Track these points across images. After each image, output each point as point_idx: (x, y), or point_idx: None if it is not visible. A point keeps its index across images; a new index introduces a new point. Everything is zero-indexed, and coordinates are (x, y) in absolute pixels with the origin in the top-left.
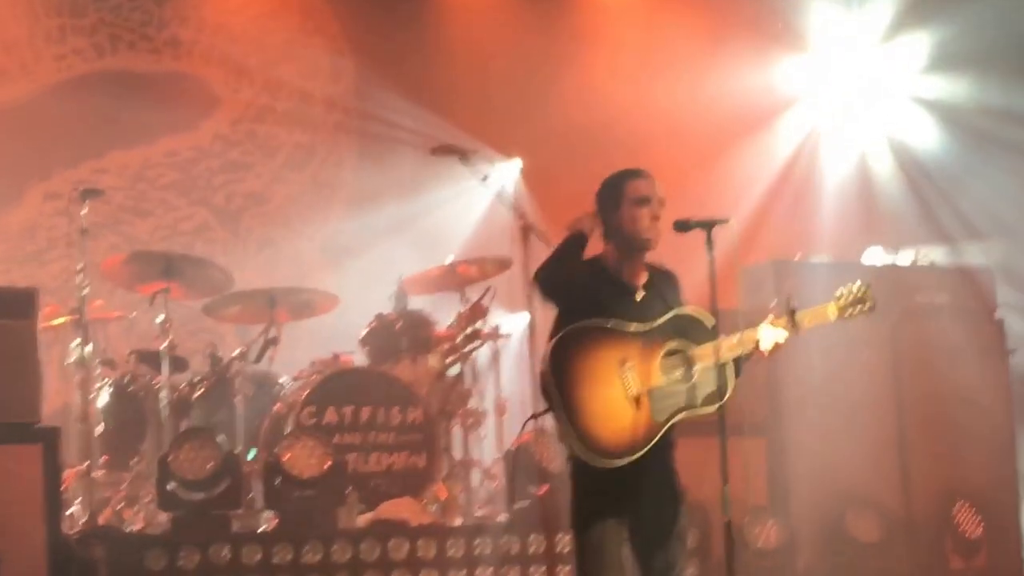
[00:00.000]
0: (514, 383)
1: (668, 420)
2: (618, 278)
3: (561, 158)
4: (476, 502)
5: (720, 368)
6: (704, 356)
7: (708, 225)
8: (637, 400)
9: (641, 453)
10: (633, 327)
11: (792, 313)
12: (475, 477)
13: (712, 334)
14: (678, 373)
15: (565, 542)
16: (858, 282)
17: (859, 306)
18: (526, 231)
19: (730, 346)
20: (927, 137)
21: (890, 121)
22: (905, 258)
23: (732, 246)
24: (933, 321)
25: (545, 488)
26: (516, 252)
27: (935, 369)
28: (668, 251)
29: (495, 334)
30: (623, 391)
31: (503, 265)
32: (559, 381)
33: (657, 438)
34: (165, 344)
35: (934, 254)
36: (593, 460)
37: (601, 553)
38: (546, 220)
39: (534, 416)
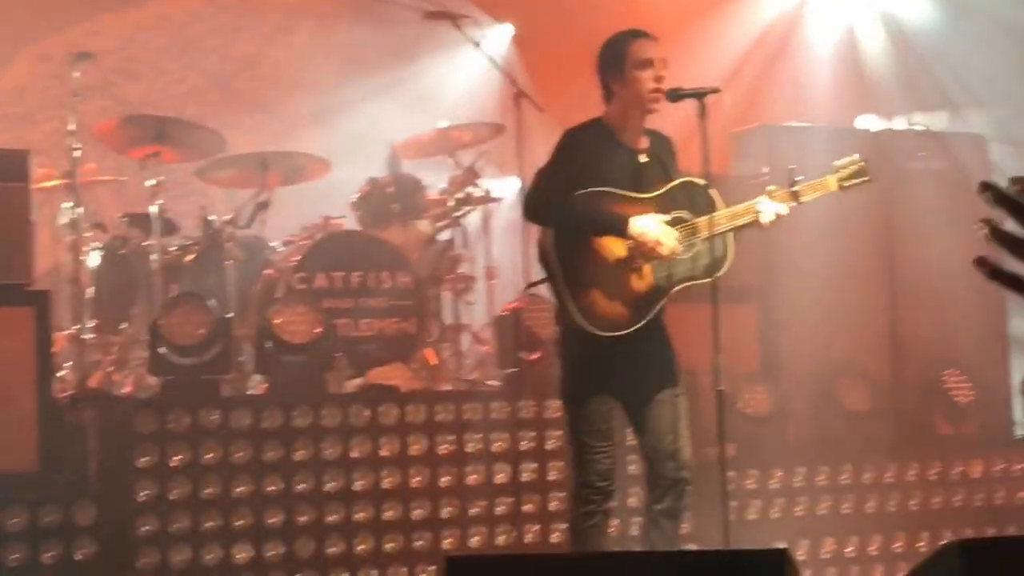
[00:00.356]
0: (504, 248)
1: (670, 288)
2: (620, 140)
3: (551, 24)
4: (466, 367)
5: (720, 238)
6: (707, 226)
7: (700, 94)
8: (640, 269)
9: (644, 322)
10: (637, 194)
11: (793, 185)
12: (465, 342)
13: (714, 204)
14: (683, 241)
15: (555, 408)
16: (855, 155)
17: (859, 179)
18: (518, 97)
19: (731, 215)
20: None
21: None
22: (898, 124)
23: (724, 114)
24: (926, 187)
25: (536, 354)
26: (508, 117)
27: (927, 236)
28: (659, 118)
29: (487, 199)
30: (626, 259)
31: (496, 130)
32: (560, 250)
33: (658, 308)
34: (156, 207)
35: (927, 120)
36: (593, 330)
37: (592, 424)
38: (538, 85)
39: (531, 285)
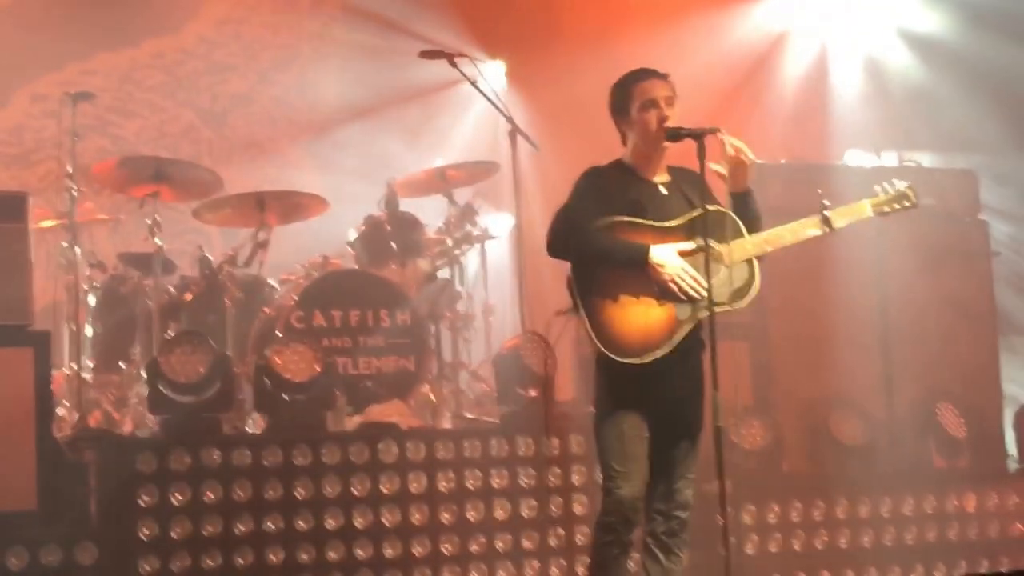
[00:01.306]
0: (502, 286)
1: (690, 318)
2: (641, 176)
3: (546, 61)
4: (465, 405)
5: (748, 264)
6: (732, 254)
7: (699, 135)
8: (660, 298)
9: (664, 352)
10: (659, 223)
11: (823, 212)
12: (463, 379)
13: (739, 231)
14: (703, 270)
15: (554, 445)
16: (900, 181)
17: (900, 203)
18: (513, 134)
19: (757, 244)
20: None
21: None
22: (888, 160)
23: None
24: (917, 223)
25: (534, 391)
26: (503, 155)
27: (919, 272)
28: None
29: (484, 236)
30: (648, 289)
31: (490, 170)
32: (580, 281)
33: (680, 337)
34: (154, 247)
35: (918, 157)
36: (615, 357)
37: (622, 445)
38: (532, 122)
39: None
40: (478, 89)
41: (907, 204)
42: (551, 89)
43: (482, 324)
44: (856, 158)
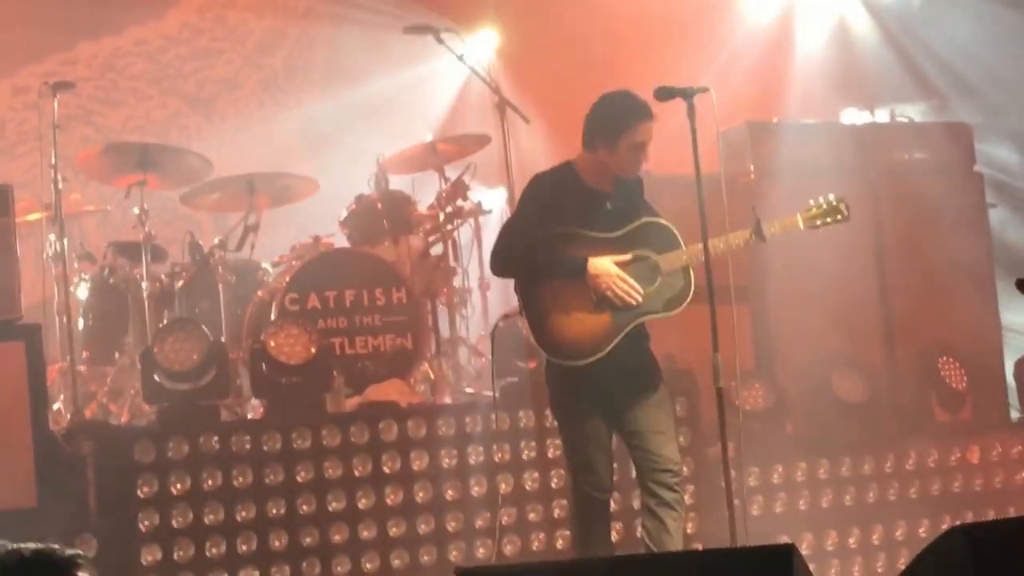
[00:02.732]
0: None
1: (628, 324)
2: (587, 185)
3: (534, 32)
4: (465, 380)
5: (683, 273)
6: (668, 263)
7: (689, 93)
8: (598, 304)
9: (603, 354)
10: (601, 234)
11: (758, 224)
12: (463, 355)
13: (677, 242)
14: (641, 279)
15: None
16: (831, 195)
17: (832, 216)
18: (502, 106)
19: (695, 253)
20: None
21: None
22: (882, 116)
23: (711, 112)
24: (913, 178)
25: (533, 363)
26: (494, 128)
27: (916, 226)
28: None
29: (477, 211)
30: (589, 295)
31: (481, 142)
32: (524, 288)
33: (617, 340)
34: (143, 235)
35: (911, 111)
36: (557, 360)
37: (585, 442)
38: (522, 94)
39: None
40: (465, 64)
41: (839, 218)
42: (542, 61)
43: (479, 299)
44: (851, 116)
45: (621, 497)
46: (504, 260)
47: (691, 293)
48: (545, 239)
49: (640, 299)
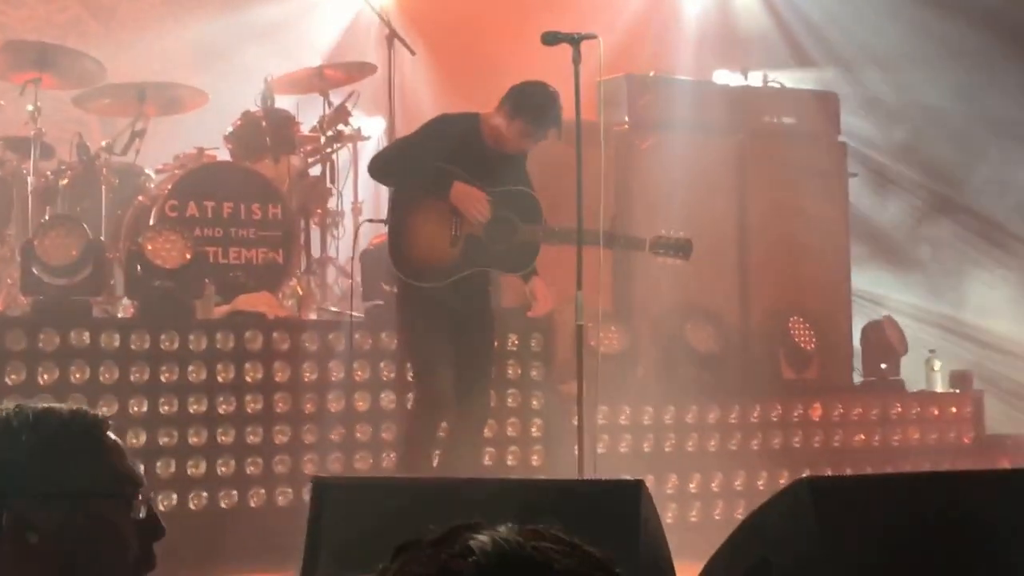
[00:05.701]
0: (370, 185)
1: (473, 264)
2: (486, 143)
3: None
4: (331, 300)
5: (531, 246)
6: (526, 235)
7: (576, 40)
8: (454, 240)
9: (442, 284)
10: (478, 184)
11: (612, 232)
12: (331, 274)
13: (540, 216)
14: (497, 236)
15: None
16: (682, 232)
17: (676, 252)
18: (391, 39)
19: (547, 233)
20: None
21: None
22: (755, 80)
23: (597, 61)
24: (779, 141)
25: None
26: (380, 58)
27: (778, 189)
28: (535, 63)
29: (357, 136)
30: (448, 230)
31: (367, 71)
32: (396, 203)
33: (459, 275)
34: (34, 131)
35: (783, 78)
36: (402, 276)
37: (427, 347)
38: (411, 26)
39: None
40: None
41: (681, 255)
42: None
43: (350, 222)
44: (723, 78)
45: (497, 425)
46: (385, 162)
47: (531, 266)
48: (429, 164)
49: (486, 214)
